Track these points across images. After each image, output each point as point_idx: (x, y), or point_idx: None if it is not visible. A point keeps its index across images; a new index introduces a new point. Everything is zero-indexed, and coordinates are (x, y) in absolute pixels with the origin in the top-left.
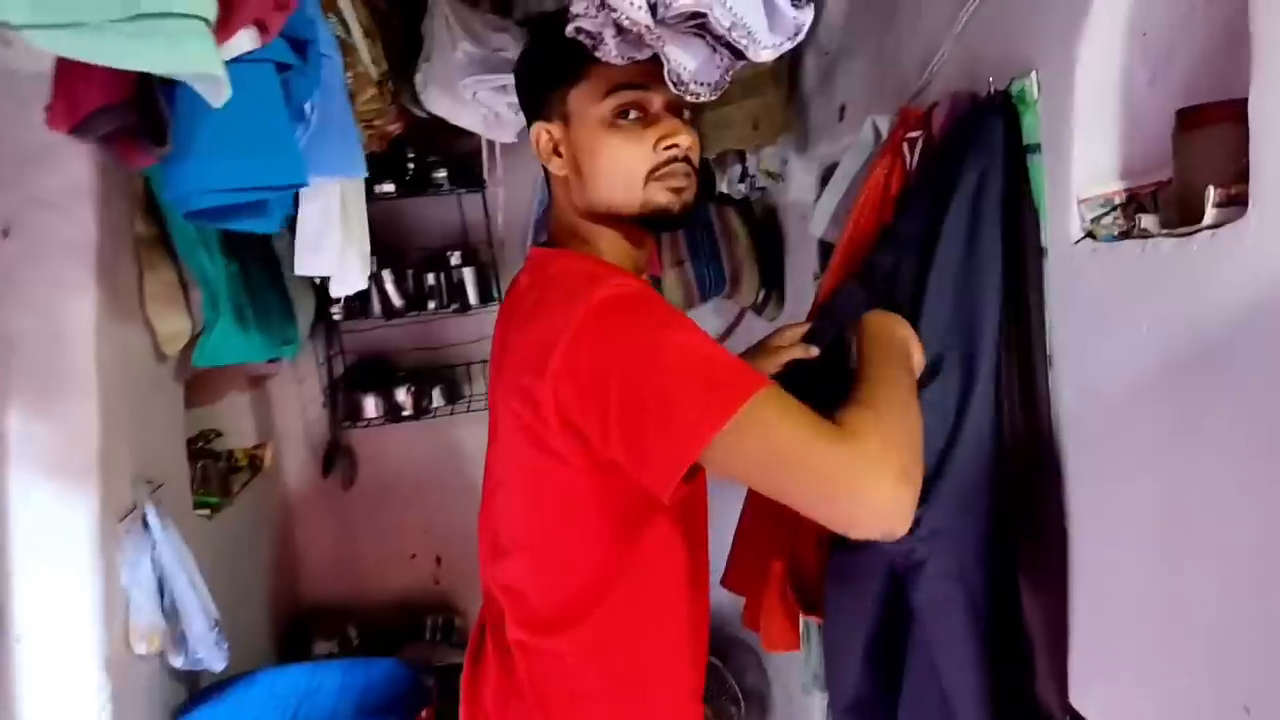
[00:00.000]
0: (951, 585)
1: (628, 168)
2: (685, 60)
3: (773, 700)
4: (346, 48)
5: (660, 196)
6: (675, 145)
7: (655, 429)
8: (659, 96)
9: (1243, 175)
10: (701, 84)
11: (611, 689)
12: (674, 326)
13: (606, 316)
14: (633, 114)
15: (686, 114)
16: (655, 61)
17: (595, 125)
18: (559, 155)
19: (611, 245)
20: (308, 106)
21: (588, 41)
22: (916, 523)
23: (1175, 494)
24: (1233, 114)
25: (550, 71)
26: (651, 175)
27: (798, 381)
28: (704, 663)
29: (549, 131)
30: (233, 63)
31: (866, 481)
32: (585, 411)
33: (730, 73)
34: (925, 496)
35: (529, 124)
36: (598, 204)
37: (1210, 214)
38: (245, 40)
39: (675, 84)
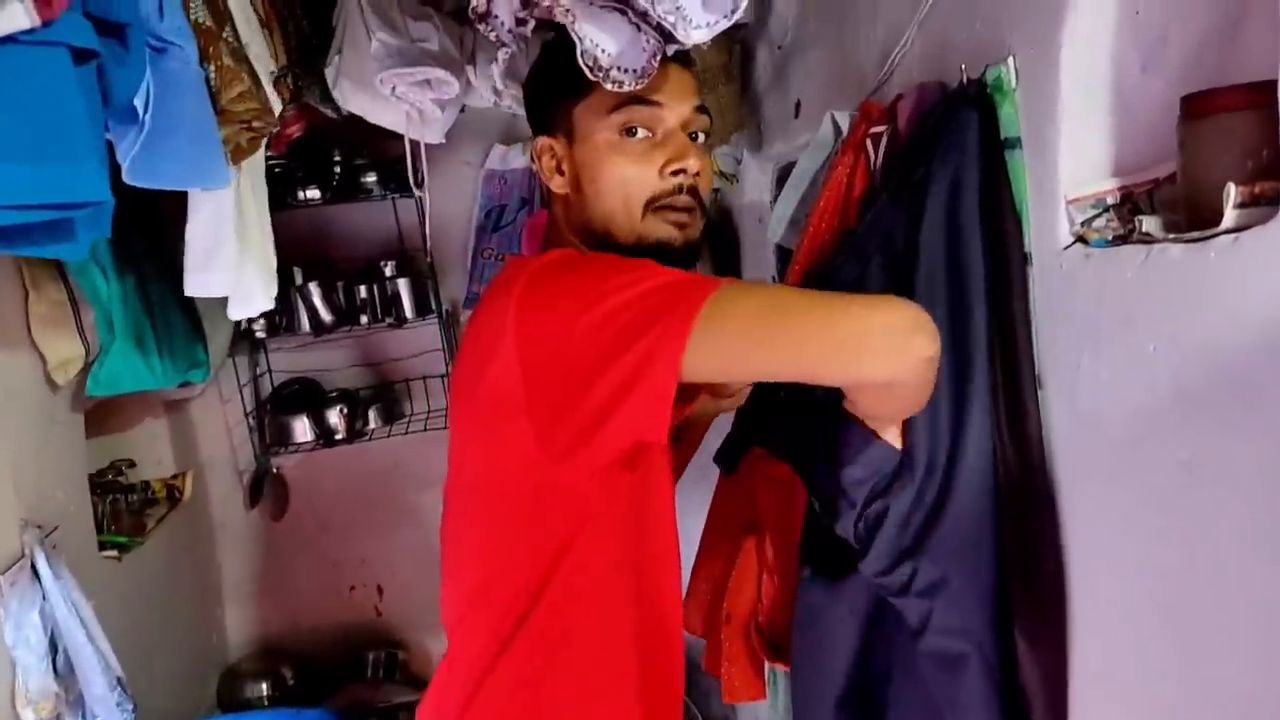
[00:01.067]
0: (960, 641)
1: (629, 191)
2: (604, 41)
3: None
4: (206, 35)
5: (660, 230)
6: (683, 170)
7: (630, 350)
8: (672, 115)
9: (1266, 170)
10: (625, 71)
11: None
12: (614, 259)
13: (549, 275)
14: (640, 133)
15: (701, 137)
16: (668, 76)
17: (599, 143)
18: (561, 174)
19: None
20: (139, 104)
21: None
22: (913, 575)
23: (1188, 541)
24: (1252, 99)
25: (556, 83)
26: (652, 204)
27: (764, 404)
28: (668, 692)
29: (552, 148)
30: (2, 44)
31: (870, 308)
32: (559, 369)
33: (658, 58)
34: (920, 547)
35: (534, 138)
36: (595, 225)
37: (1230, 215)
38: (15, 15)
39: (591, 69)
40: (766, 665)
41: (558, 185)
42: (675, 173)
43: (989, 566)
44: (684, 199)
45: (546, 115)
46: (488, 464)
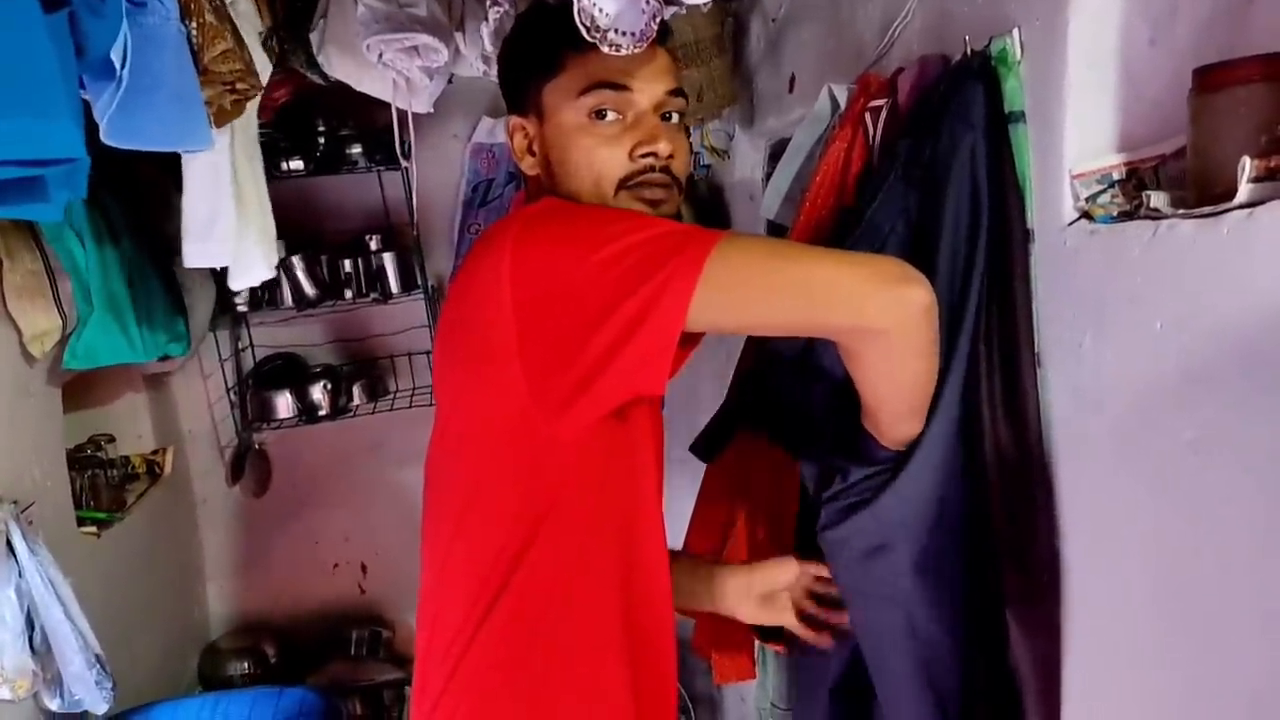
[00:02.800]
0: (888, 609)
1: (598, 172)
2: (603, 0)
3: (724, 707)
4: None
5: (633, 207)
6: (653, 153)
7: (637, 293)
8: (644, 98)
9: None
10: (623, 33)
11: (515, 679)
12: (611, 210)
13: (545, 222)
14: (611, 115)
15: (676, 118)
16: (643, 57)
17: (568, 125)
18: (532, 154)
19: None
20: (115, 59)
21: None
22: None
23: (1194, 523)
24: (1268, 70)
25: (527, 61)
26: (624, 184)
27: (766, 388)
28: (658, 657)
29: (524, 127)
30: None
31: (864, 258)
32: (559, 315)
33: (658, 19)
34: (866, 505)
35: (508, 116)
36: None
37: (1245, 190)
38: None
39: (588, 30)
40: (756, 645)
41: (529, 166)
42: (644, 155)
43: (930, 534)
44: (658, 176)
45: (518, 94)
46: (472, 419)
